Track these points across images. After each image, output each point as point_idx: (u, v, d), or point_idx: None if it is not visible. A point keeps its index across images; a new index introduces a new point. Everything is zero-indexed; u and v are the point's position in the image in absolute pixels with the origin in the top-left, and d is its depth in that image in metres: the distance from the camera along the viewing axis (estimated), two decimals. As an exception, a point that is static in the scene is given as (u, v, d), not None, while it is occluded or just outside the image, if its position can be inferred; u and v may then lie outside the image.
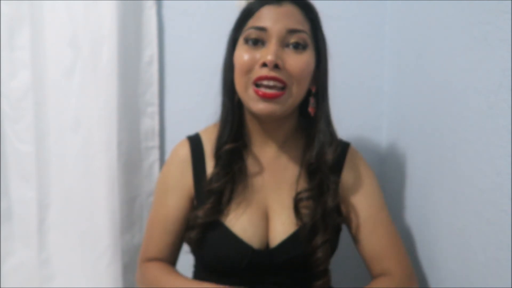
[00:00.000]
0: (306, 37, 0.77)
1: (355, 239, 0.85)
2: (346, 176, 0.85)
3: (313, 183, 0.80)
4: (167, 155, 1.16)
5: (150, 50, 1.14)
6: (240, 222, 0.79)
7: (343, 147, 0.87)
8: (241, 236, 0.78)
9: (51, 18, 1.09)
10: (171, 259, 0.87)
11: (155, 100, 1.16)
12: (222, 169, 0.81)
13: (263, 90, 0.74)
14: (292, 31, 0.75)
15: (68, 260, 1.13)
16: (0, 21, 1.09)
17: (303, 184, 0.82)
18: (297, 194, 0.81)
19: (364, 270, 0.86)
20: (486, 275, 0.66)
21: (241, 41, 0.79)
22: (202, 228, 0.79)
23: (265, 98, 0.74)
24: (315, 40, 0.80)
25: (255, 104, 0.76)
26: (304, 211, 0.79)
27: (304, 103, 0.83)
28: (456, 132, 0.76)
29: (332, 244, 0.82)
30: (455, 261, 0.76)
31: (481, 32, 0.68)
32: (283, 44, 0.76)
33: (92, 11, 1.06)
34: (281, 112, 0.77)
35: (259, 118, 0.82)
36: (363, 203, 0.84)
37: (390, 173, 1.10)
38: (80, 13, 1.07)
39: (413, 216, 0.98)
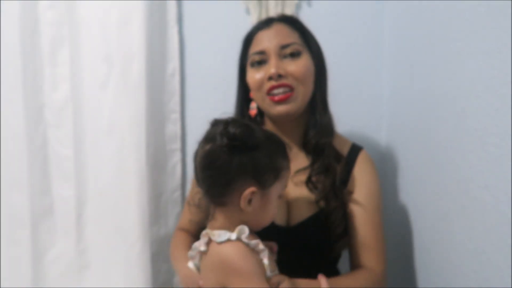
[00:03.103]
0: (297, 46, 0.90)
1: (348, 228, 0.93)
2: (356, 174, 0.94)
3: (320, 161, 0.90)
4: (188, 157, 1.27)
5: (173, 63, 1.24)
6: None
7: (356, 149, 0.97)
8: None
9: (88, 38, 1.19)
10: (197, 232, 0.98)
11: (178, 108, 1.25)
12: None
13: (276, 96, 0.88)
14: (284, 46, 0.89)
15: (102, 250, 1.21)
16: (44, 41, 1.20)
17: (312, 166, 0.91)
18: (310, 169, 0.90)
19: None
20: (463, 253, 0.76)
21: (248, 66, 0.93)
22: None
23: (280, 101, 0.88)
24: (307, 44, 0.92)
25: (273, 108, 0.89)
26: (316, 185, 0.89)
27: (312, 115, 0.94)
28: (451, 134, 0.79)
29: (344, 215, 0.90)
30: (439, 245, 0.86)
31: (477, 39, 0.68)
32: (281, 56, 0.89)
33: (123, 31, 1.16)
34: (296, 109, 0.89)
35: (279, 122, 0.94)
36: (364, 200, 0.92)
37: (389, 169, 1.17)
38: (113, 33, 1.17)
39: (408, 206, 1.06)
